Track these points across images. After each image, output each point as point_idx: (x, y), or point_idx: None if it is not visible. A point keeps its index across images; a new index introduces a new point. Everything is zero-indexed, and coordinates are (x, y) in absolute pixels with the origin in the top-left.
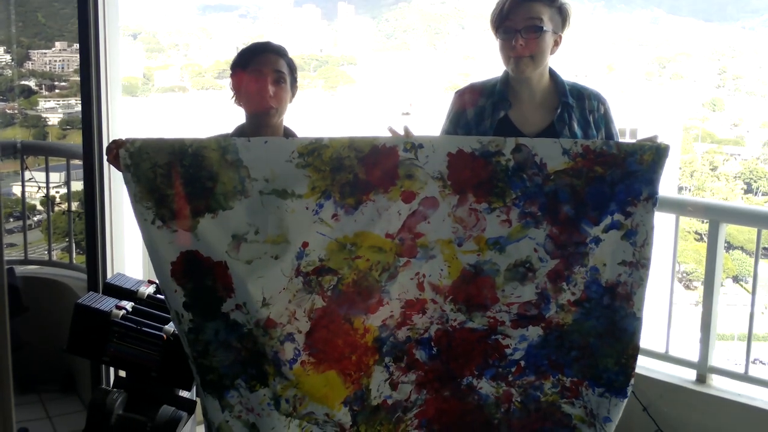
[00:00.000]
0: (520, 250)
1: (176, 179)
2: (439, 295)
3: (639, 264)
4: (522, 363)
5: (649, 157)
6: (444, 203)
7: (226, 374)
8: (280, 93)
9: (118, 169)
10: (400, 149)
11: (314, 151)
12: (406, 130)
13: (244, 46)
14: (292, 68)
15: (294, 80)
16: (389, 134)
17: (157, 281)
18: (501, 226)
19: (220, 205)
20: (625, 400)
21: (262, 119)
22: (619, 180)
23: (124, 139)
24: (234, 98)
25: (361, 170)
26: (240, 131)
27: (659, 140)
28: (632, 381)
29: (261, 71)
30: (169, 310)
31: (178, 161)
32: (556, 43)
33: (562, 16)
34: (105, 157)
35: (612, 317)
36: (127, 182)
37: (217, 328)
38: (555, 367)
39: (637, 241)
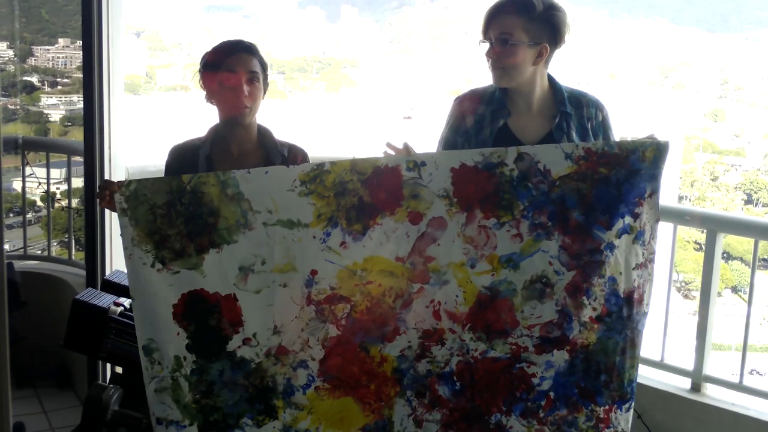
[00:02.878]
0: (534, 264)
1: (176, 218)
2: (457, 323)
3: (647, 261)
4: (551, 395)
5: (650, 154)
6: (452, 222)
7: (230, 413)
8: (253, 92)
9: (114, 211)
10: (402, 168)
11: (316, 178)
12: (406, 146)
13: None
14: (264, 66)
15: (266, 78)
16: (388, 149)
17: (143, 333)
18: (512, 241)
19: (224, 240)
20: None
21: (236, 119)
22: (625, 180)
23: (116, 182)
24: (206, 98)
25: (365, 193)
26: (214, 132)
27: (657, 138)
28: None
29: (235, 72)
30: (146, 367)
31: (177, 200)
32: (540, 54)
33: (549, 25)
34: (98, 202)
35: (631, 327)
36: (123, 226)
37: (222, 368)
38: (586, 395)
39: (645, 239)
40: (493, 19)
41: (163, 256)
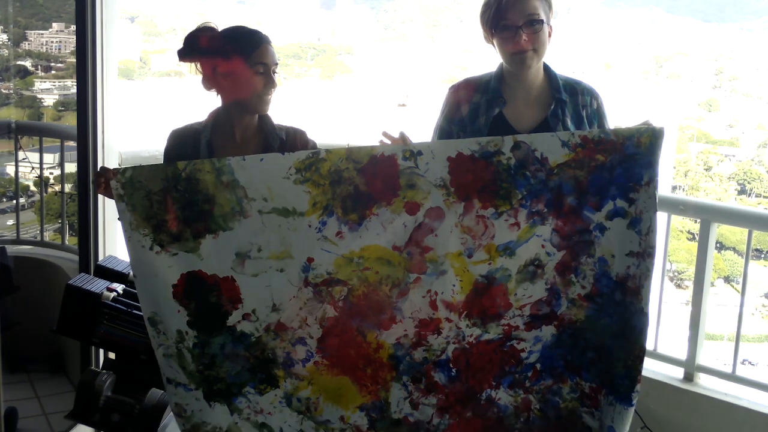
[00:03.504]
0: (528, 249)
1: (172, 205)
2: (453, 312)
3: (645, 254)
4: (538, 366)
5: (646, 140)
6: (450, 213)
7: (233, 383)
8: (276, 84)
9: (110, 198)
10: (399, 158)
11: (312, 166)
12: (402, 135)
13: (225, 28)
14: None
15: None
16: (384, 138)
17: (147, 306)
18: (510, 230)
19: (220, 227)
20: (632, 409)
21: (257, 108)
22: (618, 164)
23: (112, 169)
24: (209, 83)
25: (361, 181)
26: (215, 116)
27: (652, 124)
28: (638, 387)
29: (267, 65)
30: (153, 335)
31: (173, 187)
32: (549, 35)
33: (550, 7)
34: (95, 188)
35: (624, 314)
36: (121, 211)
37: (224, 342)
38: (572, 369)
39: (642, 229)
40: (514, 3)
41: (161, 239)
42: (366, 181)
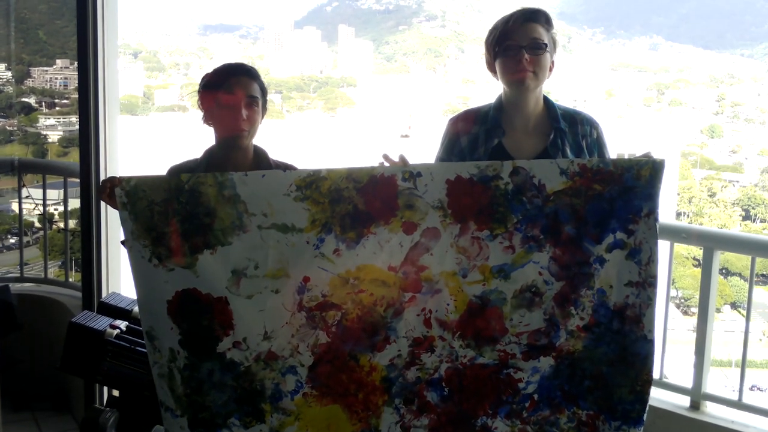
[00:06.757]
0: (525, 275)
1: (173, 217)
2: (447, 331)
3: (646, 283)
4: (535, 396)
5: (646, 173)
6: (446, 233)
7: (218, 413)
8: (252, 116)
9: (114, 207)
10: (398, 178)
11: (312, 184)
12: (402, 158)
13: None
14: (264, 91)
15: (265, 102)
16: (384, 161)
17: (145, 319)
18: (504, 252)
19: (219, 241)
20: (642, 428)
21: (233, 141)
22: (618, 196)
23: (118, 177)
24: (204, 119)
25: (360, 201)
26: (209, 154)
27: (653, 156)
28: (647, 408)
29: (235, 95)
30: (150, 351)
31: (175, 198)
32: (550, 69)
33: (553, 42)
34: (99, 195)
35: (623, 342)
36: (123, 220)
37: (212, 369)
38: (569, 399)
39: (642, 259)
40: (522, 26)
41: (160, 252)
42: (365, 201)
